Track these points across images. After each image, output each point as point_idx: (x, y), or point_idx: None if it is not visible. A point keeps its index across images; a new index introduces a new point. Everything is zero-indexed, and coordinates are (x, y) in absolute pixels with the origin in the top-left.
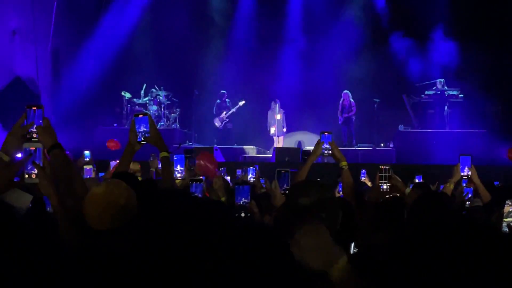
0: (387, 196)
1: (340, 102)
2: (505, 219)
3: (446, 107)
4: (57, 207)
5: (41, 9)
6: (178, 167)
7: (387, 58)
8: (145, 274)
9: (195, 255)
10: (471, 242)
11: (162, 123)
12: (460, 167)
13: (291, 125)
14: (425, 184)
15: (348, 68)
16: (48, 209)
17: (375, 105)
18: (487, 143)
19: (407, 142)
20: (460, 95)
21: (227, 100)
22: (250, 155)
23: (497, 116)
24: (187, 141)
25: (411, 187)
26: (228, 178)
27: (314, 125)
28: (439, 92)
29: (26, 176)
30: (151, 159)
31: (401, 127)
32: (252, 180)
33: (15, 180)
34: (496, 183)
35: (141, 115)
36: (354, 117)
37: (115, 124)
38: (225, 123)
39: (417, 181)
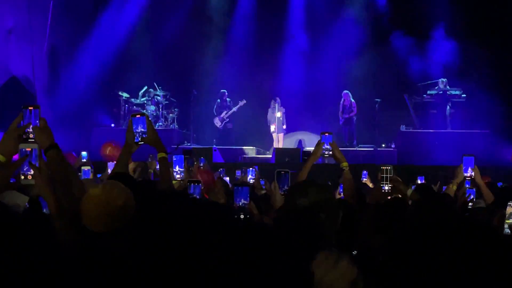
0: (389, 198)
1: (341, 102)
2: (507, 221)
3: (448, 107)
4: (54, 209)
5: (37, 8)
6: (177, 168)
7: (388, 57)
8: (144, 276)
9: (194, 257)
10: (472, 244)
11: (160, 123)
12: (463, 167)
13: (292, 125)
14: (428, 185)
15: (349, 68)
16: (44, 210)
17: (377, 105)
18: (491, 144)
19: (409, 143)
20: (462, 95)
21: (227, 99)
22: (249, 155)
23: (500, 116)
24: (186, 142)
25: (413, 188)
26: (227, 179)
27: (315, 125)
28: (441, 92)
29: (22, 177)
30: (149, 160)
31: (402, 127)
32: (251, 181)
33: (11, 181)
34: (499, 184)
35: (139, 115)
36: (355, 118)
37: (112, 125)
38: (225, 123)
39: (419, 182)
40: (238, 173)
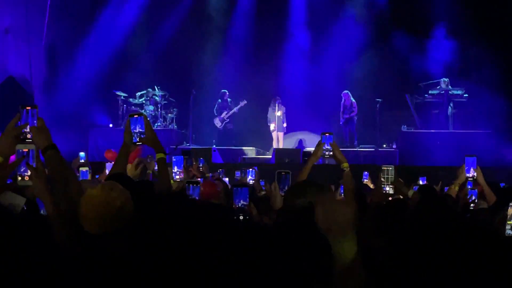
0: (390, 199)
1: (342, 102)
2: (508, 222)
3: (450, 107)
4: (51, 210)
5: (34, 7)
6: (176, 169)
7: (389, 57)
8: (142, 278)
9: (193, 258)
10: (472, 245)
11: (159, 124)
12: (466, 168)
13: (292, 125)
14: (431, 186)
15: (350, 67)
16: (41, 211)
17: (378, 105)
18: (493, 144)
19: (411, 143)
20: (464, 95)
21: (228, 99)
22: (249, 156)
23: (502, 115)
24: (184, 142)
25: (415, 189)
26: (227, 179)
27: (315, 125)
28: (443, 92)
29: (19, 178)
30: (148, 160)
31: (404, 128)
32: (251, 182)
33: (8, 182)
34: (502, 184)
35: (136, 115)
36: (355, 117)
37: (110, 125)
38: (226, 123)
39: (421, 182)
40: (237, 173)
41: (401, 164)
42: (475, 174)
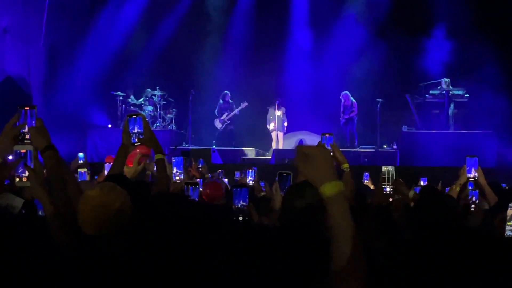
0: (391, 199)
1: (342, 103)
2: (508, 223)
3: (451, 107)
4: (49, 211)
5: (32, 7)
6: (175, 169)
7: (390, 57)
8: (141, 279)
9: (192, 259)
10: (471, 246)
11: (158, 124)
12: (467, 169)
13: (292, 125)
14: (434, 187)
15: (350, 67)
16: (39, 212)
17: (378, 105)
18: (494, 144)
19: (411, 144)
20: (465, 95)
21: (230, 101)
22: (249, 156)
23: (504, 115)
24: (184, 143)
25: (415, 190)
26: (226, 180)
27: (315, 125)
28: (443, 92)
29: (17, 179)
30: (147, 161)
31: (404, 128)
32: (251, 182)
33: (5, 183)
34: (503, 185)
35: (135, 116)
36: (356, 118)
37: (109, 125)
38: (226, 125)
39: (422, 183)
40: (237, 174)
41: (402, 165)
42: (476, 174)
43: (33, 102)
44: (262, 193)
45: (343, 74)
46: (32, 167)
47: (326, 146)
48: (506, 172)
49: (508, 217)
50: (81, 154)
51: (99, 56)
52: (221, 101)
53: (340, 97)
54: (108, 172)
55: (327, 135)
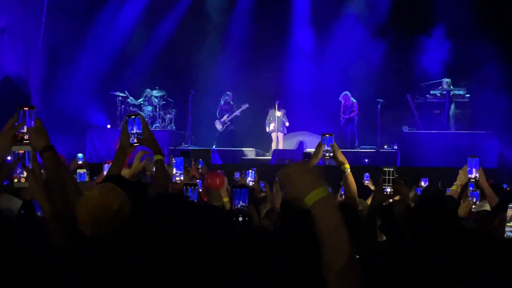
0: (391, 200)
1: (342, 103)
2: (508, 224)
3: (452, 108)
4: (48, 212)
5: (31, 6)
6: (175, 170)
7: (390, 57)
8: (139, 281)
9: (191, 261)
10: (471, 248)
11: (157, 124)
12: (468, 169)
13: (292, 125)
14: (437, 188)
15: (351, 68)
16: (38, 213)
17: (379, 106)
18: (496, 144)
19: (412, 144)
20: (466, 95)
21: (231, 102)
22: (248, 157)
23: (505, 116)
24: (183, 143)
25: (416, 191)
26: None
27: (316, 126)
28: (444, 92)
29: (16, 180)
30: (147, 162)
31: (405, 128)
32: (251, 183)
33: (4, 183)
34: (504, 186)
35: (133, 116)
36: (356, 118)
37: (108, 125)
38: (227, 126)
39: (423, 183)
40: (237, 175)
41: (402, 165)
42: (477, 175)
43: (32, 102)
44: (262, 194)
45: (343, 74)
46: (30, 167)
47: (326, 146)
48: (508, 173)
49: (508, 218)
50: (80, 155)
51: (98, 56)
52: (222, 102)
53: (340, 98)
54: (107, 173)
55: (327, 135)
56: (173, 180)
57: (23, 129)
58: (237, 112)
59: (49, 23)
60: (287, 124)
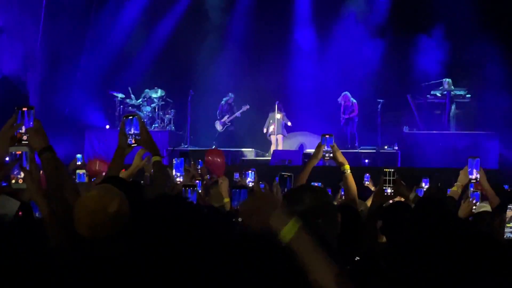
0: (391, 201)
1: (342, 104)
2: (508, 224)
3: (453, 108)
4: (46, 213)
5: (29, 6)
6: (174, 171)
7: (391, 57)
8: (138, 283)
9: (190, 263)
10: (470, 249)
11: (156, 125)
12: (468, 170)
13: (292, 125)
14: (439, 188)
15: (351, 68)
16: (36, 215)
17: (379, 106)
18: (497, 145)
19: (412, 145)
20: (467, 95)
21: (232, 103)
22: (248, 158)
23: (506, 116)
24: (182, 144)
25: (417, 192)
26: None
27: (316, 126)
28: (445, 92)
29: (13, 180)
30: (147, 162)
31: (406, 129)
32: (250, 184)
33: (3, 184)
34: (506, 186)
35: (131, 117)
36: (356, 118)
37: (107, 126)
38: (227, 127)
39: (423, 184)
40: (236, 175)
41: (403, 166)
42: (478, 176)
43: (30, 103)
44: None
45: (343, 74)
46: (28, 168)
47: (326, 147)
48: (509, 174)
49: (507, 219)
50: (79, 155)
51: (97, 56)
52: (223, 102)
53: (340, 100)
54: (105, 174)
55: (327, 136)
56: (175, 181)
57: (22, 129)
58: (237, 113)
59: (47, 23)
60: (289, 123)
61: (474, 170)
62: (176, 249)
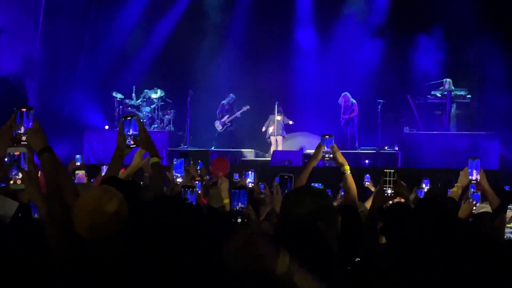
0: (391, 202)
1: (342, 104)
2: (508, 225)
3: (453, 108)
4: (45, 214)
5: (28, 7)
6: (175, 172)
7: (391, 57)
8: (137, 284)
9: (190, 263)
10: (470, 250)
11: (156, 125)
12: (469, 171)
13: (292, 126)
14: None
15: (351, 68)
16: (35, 215)
17: (379, 106)
18: (497, 145)
19: (413, 145)
20: (467, 96)
21: (233, 104)
22: (248, 158)
23: (507, 116)
24: (182, 144)
25: (417, 192)
26: None
27: (316, 126)
28: (445, 93)
29: (12, 181)
30: (146, 163)
31: (406, 129)
32: (250, 184)
33: (1, 185)
34: (506, 187)
35: (129, 118)
36: (356, 119)
37: (106, 127)
38: (226, 127)
39: (424, 185)
40: (236, 176)
41: (403, 166)
42: (478, 177)
43: (29, 103)
44: (262, 195)
45: (343, 75)
46: (26, 169)
47: (326, 147)
48: (509, 174)
49: (507, 219)
50: (78, 156)
51: (96, 56)
52: (224, 102)
53: (340, 101)
54: (104, 175)
55: (327, 136)
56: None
57: (21, 130)
58: (237, 114)
59: (46, 23)
60: (290, 122)
61: (474, 171)
62: (175, 249)
